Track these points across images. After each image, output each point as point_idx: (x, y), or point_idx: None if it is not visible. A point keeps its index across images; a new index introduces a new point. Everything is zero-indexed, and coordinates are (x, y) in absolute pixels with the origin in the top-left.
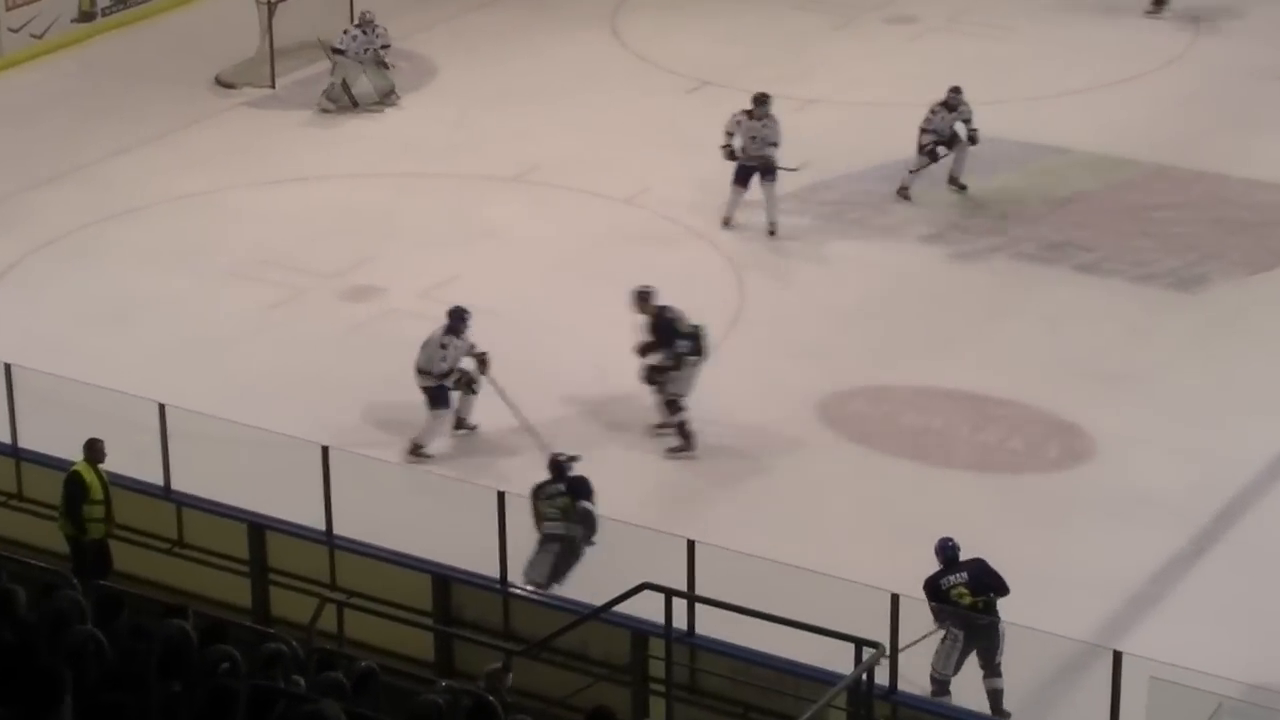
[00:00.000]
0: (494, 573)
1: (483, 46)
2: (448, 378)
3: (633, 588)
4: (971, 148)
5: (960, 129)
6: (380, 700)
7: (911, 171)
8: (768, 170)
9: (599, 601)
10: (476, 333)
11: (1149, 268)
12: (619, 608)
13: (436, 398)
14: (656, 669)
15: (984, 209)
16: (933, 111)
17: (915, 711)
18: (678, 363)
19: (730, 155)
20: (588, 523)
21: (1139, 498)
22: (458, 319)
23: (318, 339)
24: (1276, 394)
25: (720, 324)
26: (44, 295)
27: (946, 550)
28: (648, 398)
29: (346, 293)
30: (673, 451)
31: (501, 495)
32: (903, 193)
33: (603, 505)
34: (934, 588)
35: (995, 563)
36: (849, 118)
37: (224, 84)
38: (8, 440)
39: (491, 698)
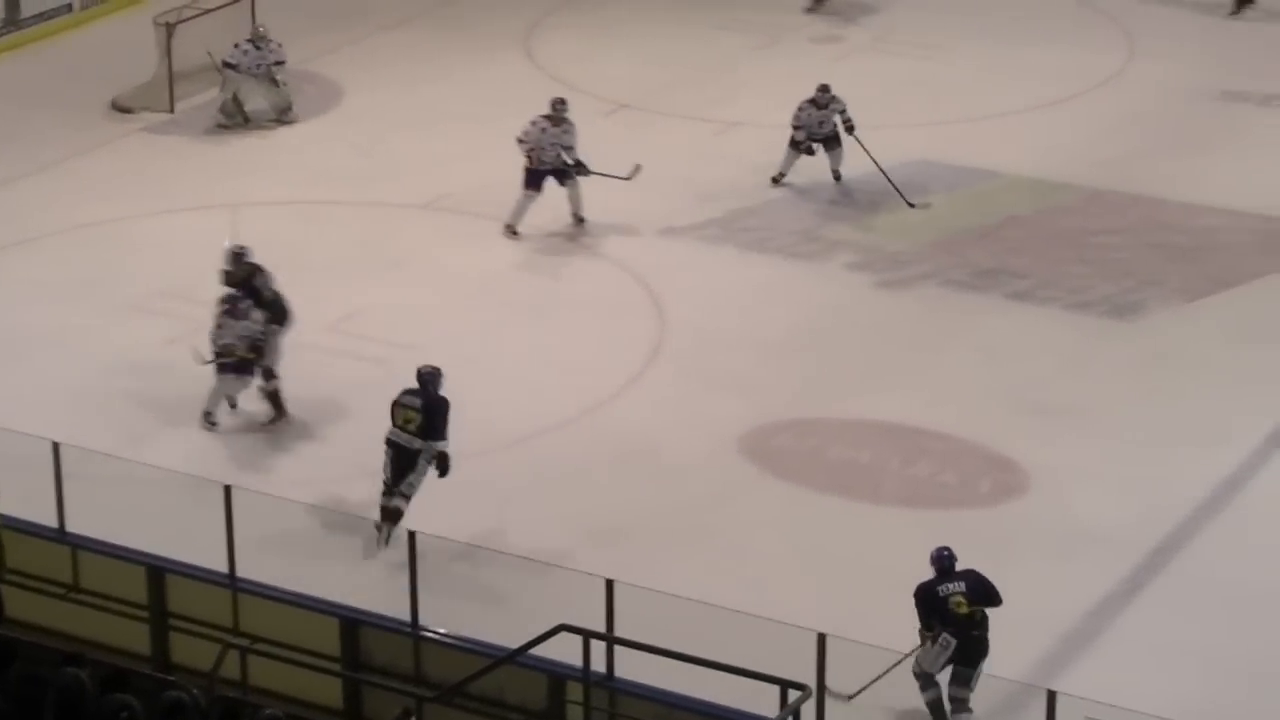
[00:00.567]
0: (405, 615)
1: (391, 69)
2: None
3: (549, 630)
4: (849, 136)
5: (837, 122)
6: None
7: (782, 173)
8: (563, 174)
9: (515, 644)
10: (388, 366)
11: (1084, 295)
12: (535, 650)
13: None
14: (575, 714)
15: (913, 235)
16: (800, 108)
17: None
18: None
19: (531, 161)
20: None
21: (1074, 532)
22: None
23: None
24: (1214, 425)
25: (641, 355)
26: None
27: (943, 559)
28: (562, 429)
29: None
30: (270, 425)
31: (412, 535)
32: (778, 179)
33: (519, 542)
34: (929, 595)
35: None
36: (773, 141)
37: (121, 108)
38: None
39: None
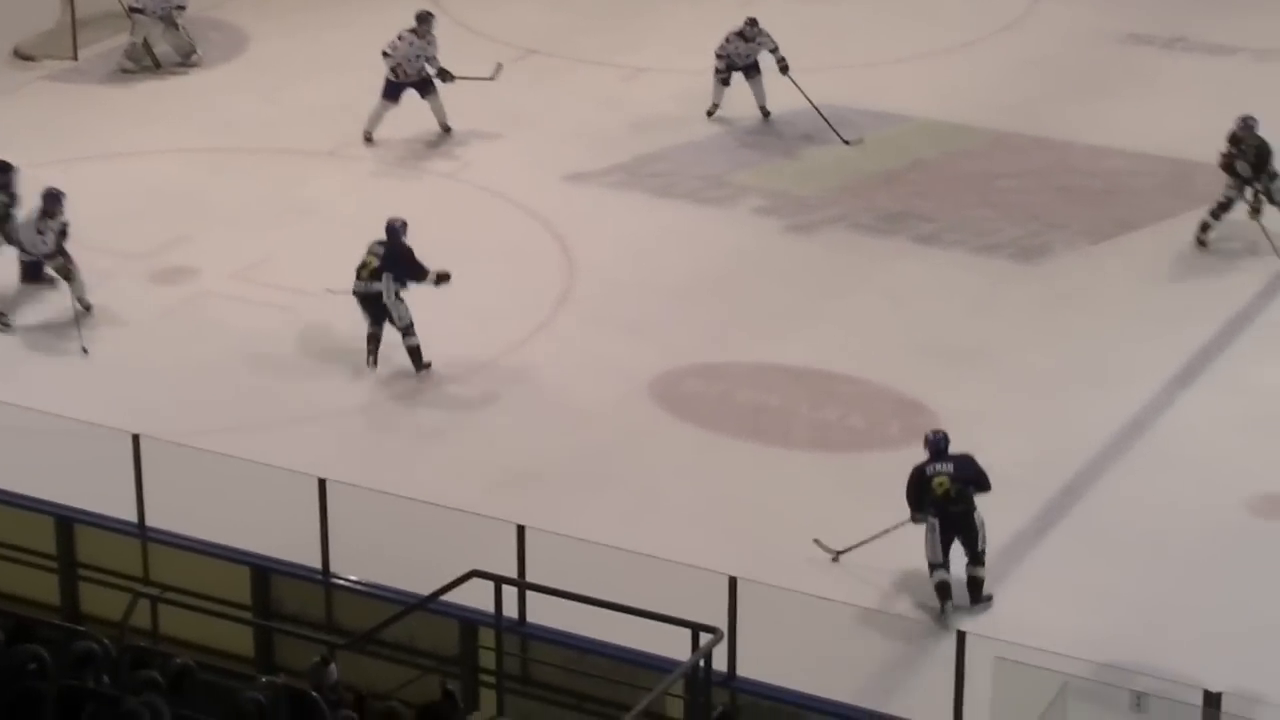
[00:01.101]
0: (316, 563)
1: (295, 16)
2: (50, 260)
3: (461, 576)
4: (782, 75)
5: (759, 56)
6: (198, 699)
7: (716, 105)
8: (424, 86)
9: (426, 591)
10: (294, 313)
11: (990, 238)
12: (447, 597)
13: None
14: (487, 659)
15: (820, 179)
16: (727, 40)
17: (754, 698)
18: None
19: (393, 74)
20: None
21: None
22: (52, 200)
23: (127, 323)
24: (1120, 367)
25: (549, 301)
26: None
27: (937, 441)
28: (472, 376)
29: (157, 275)
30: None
31: (322, 482)
32: (711, 112)
33: (429, 489)
34: (919, 474)
35: (837, 540)
36: (680, 87)
37: (23, 56)
38: None
39: (314, 693)
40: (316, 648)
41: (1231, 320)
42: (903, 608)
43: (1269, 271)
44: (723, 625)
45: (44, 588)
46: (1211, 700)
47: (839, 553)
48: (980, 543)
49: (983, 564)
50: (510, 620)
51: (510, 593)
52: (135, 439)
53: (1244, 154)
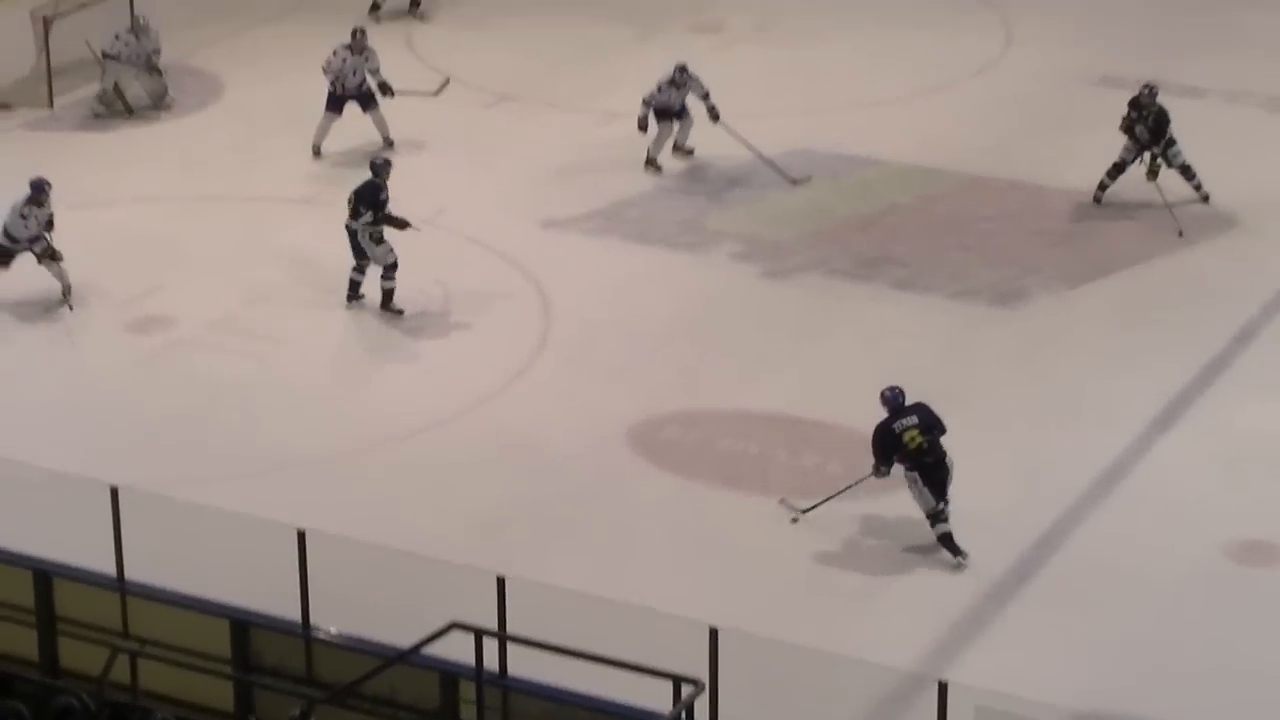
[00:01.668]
0: (295, 615)
1: (271, 63)
2: (33, 244)
3: (441, 628)
4: (714, 124)
5: (700, 106)
6: None
7: (651, 156)
8: (366, 100)
9: (406, 642)
10: (266, 362)
11: (967, 282)
12: (427, 649)
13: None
14: (468, 712)
15: (795, 224)
16: (658, 88)
17: None
18: None
19: (335, 88)
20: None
21: (961, 520)
22: (38, 190)
23: (103, 372)
24: (1097, 410)
25: (526, 347)
26: None
27: (895, 398)
28: (449, 423)
29: (132, 323)
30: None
31: (302, 534)
32: (651, 165)
33: (408, 539)
34: (887, 432)
35: (811, 593)
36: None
37: None
38: None
39: None
40: (296, 701)
41: (1209, 363)
42: (884, 656)
43: (1244, 314)
44: (704, 675)
45: (22, 642)
46: None
47: (803, 511)
48: (949, 482)
49: (948, 501)
50: (491, 673)
51: (491, 644)
52: (114, 491)
53: (1144, 119)
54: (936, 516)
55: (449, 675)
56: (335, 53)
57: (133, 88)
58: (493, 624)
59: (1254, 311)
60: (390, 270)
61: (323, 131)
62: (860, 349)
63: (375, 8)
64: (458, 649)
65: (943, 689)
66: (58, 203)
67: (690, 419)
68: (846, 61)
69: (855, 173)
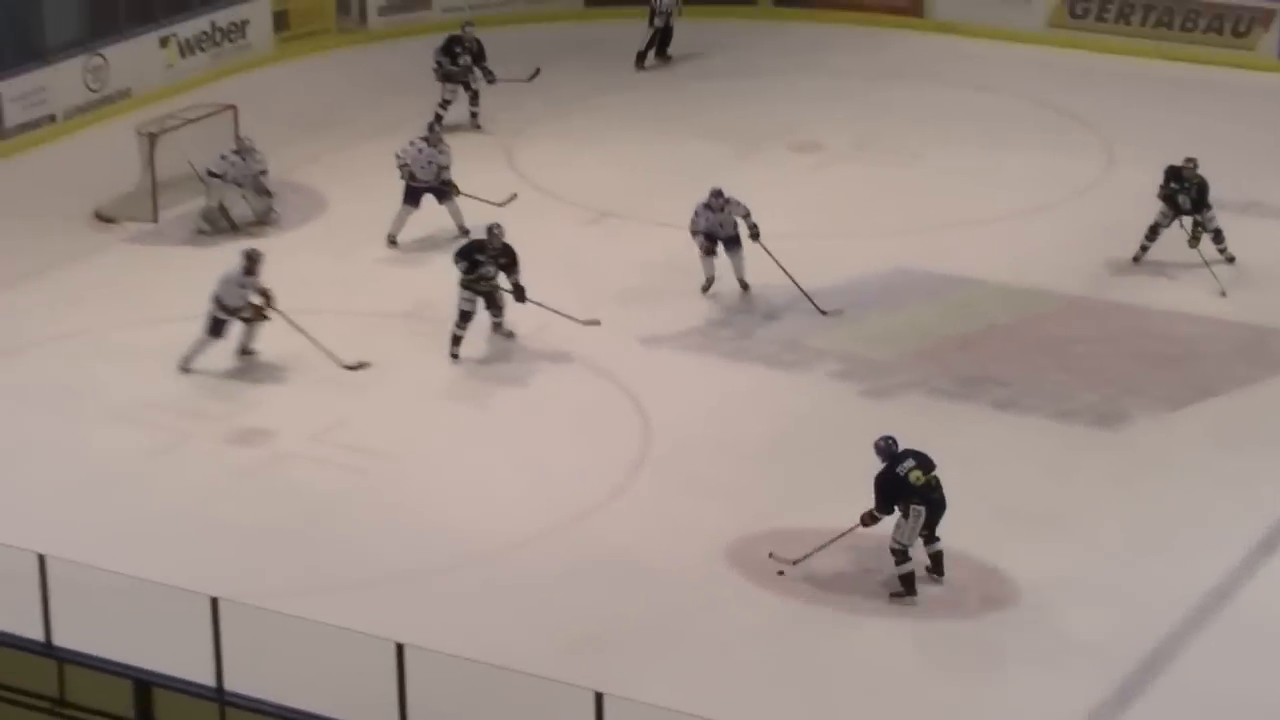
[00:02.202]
0: None
1: (371, 178)
2: (239, 312)
3: None
4: (753, 242)
5: (738, 223)
6: None
7: (710, 280)
8: (442, 192)
9: None
10: (369, 476)
11: (1067, 403)
12: None
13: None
14: None
15: (895, 343)
16: (696, 214)
17: None
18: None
19: (407, 178)
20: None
21: (1062, 644)
22: (251, 261)
23: (204, 485)
24: (1201, 533)
25: (625, 463)
26: None
27: (890, 447)
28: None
29: (233, 436)
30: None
31: (400, 648)
32: (707, 286)
33: (504, 654)
34: (890, 479)
35: (917, 713)
36: (752, 249)
37: (104, 218)
38: None
39: None
40: None
41: None
42: None
43: None
44: None
45: None
46: None
47: (793, 563)
48: (939, 521)
49: (940, 539)
50: None
51: None
52: (214, 601)
53: (1187, 190)
54: (904, 554)
55: None
56: (411, 143)
57: (239, 206)
58: None
59: None
60: (460, 319)
61: (399, 222)
62: (959, 470)
63: (474, 116)
64: None
65: None
66: (162, 318)
67: (787, 536)
68: (945, 181)
69: (954, 292)
